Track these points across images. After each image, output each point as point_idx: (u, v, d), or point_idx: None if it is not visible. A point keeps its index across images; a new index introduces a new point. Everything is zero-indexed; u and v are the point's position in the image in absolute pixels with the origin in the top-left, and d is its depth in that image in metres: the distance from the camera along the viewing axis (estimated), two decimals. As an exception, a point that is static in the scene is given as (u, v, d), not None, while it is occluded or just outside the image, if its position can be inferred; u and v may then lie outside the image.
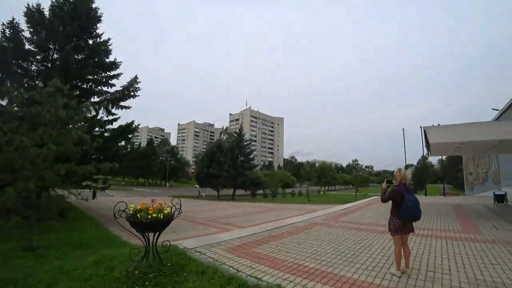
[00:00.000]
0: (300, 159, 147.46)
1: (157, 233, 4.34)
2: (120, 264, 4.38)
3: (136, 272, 3.93)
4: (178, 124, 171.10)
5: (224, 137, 54.44)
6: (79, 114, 8.29)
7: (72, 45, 13.44)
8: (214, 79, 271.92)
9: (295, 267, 4.50)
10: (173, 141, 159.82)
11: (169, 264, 4.32)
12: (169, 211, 4.30)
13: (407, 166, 60.31)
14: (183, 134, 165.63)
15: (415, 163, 77.10)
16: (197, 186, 52.56)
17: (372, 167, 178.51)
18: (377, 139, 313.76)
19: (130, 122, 16.96)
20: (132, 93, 18.21)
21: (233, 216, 15.20)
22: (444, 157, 68.24)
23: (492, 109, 21.80)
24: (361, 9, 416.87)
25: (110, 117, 18.12)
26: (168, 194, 51.20)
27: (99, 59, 16.36)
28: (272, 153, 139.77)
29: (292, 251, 5.51)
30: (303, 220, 9.57)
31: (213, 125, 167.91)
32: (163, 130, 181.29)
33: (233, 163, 37.58)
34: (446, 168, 73.61)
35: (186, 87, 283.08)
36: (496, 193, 12.71)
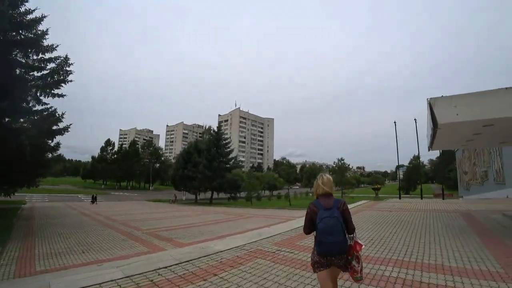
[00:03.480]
0: (292, 160, 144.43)
1: None
2: None
3: None
4: (167, 125, 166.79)
5: (206, 137, 50.71)
6: None
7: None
8: (205, 81, 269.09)
9: None
10: (161, 143, 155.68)
11: None
12: None
13: (398, 167, 57.74)
14: (171, 136, 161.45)
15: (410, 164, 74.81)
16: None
17: (363, 168, 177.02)
18: (370, 140, 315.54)
19: (52, 111, 13.39)
20: (62, 77, 14.77)
21: (185, 227, 12.63)
22: (440, 154, 66.06)
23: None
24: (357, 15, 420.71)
25: (40, 107, 14.74)
26: (145, 198, 47.94)
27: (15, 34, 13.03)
28: (261, 154, 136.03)
29: None
30: (248, 243, 6.21)
31: (203, 126, 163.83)
32: (151, 132, 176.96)
33: (209, 163, 33.88)
34: (438, 168, 71.47)
35: (178, 89, 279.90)
36: (520, 197, 9.56)
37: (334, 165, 32.05)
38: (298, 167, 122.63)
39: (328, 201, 2.52)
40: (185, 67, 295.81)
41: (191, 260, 4.92)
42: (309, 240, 6.61)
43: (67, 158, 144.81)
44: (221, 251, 5.44)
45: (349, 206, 13.68)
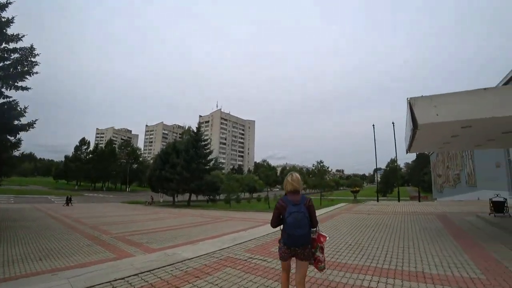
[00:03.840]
0: (273, 163, 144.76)
1: None
2: None
3: None
4: (146, 125, 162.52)
5: (186, 137, 49.56)
6: None
7: None
8: (188, 81, 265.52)
9: None
10: (140, 143, 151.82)
11: None
12: None
13: (376, 170, 59.00)
14: (151, 136, 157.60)
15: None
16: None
17: (343, 170, 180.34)
18: (351, 144, 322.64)
19: (13, 104, 12.34)
20: (26, 69, 13.71)
21: (159, 230, 11.97)
22: (416, 157, 68.19)
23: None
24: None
25: (1, 100, 13.56)
26: (121, 200, 46.09)
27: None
28: (242, 156, 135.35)
29: None
30: (219, 249, 5.78)
31: (184, 127, 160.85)
32: (130, 131, 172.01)
33: (188, 165, 32.95)
34: (413, 171, 73.78)
35: (159, 89, 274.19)
36: (493, 199, 9.60)
37: (314, 168, 32.07)
38: (279, 169, 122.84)
39: (296, 197, 2.78)
40: (172, 66, 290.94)
41: (153, 269, 4.41)
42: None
43: (38, 157, 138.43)
44: (189, 259, 4.95)
45: (328, 209, 13.57)
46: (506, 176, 15.51)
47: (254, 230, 9.32)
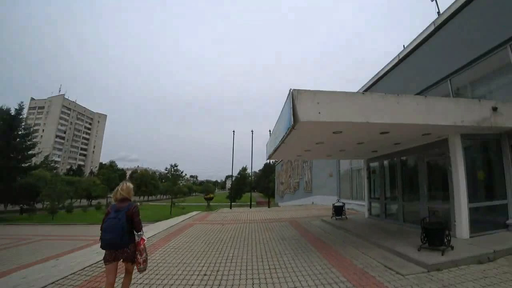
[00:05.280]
0: (124, 165, 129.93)
1: None
2: None
3: None
4: None
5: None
6: None
7: None
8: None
9: None
10: None
11: None
12: None
13: (227, 177, 61.74)
14: None
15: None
16: None
17: (196, 176, 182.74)
18: (208, 151, 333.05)
19: None
20: None
21: None
22: (263, 167, 75.97)
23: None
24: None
25: None
26: None
27: None
28: (85, 155, 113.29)
29: None
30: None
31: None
32: None
33: (-7, 161, 23.56)
34: (259, 179, 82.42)
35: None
36: (335, 204, 10.70)
37: (167, 172, 29.77)
38: (129, 172, 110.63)
39: (122, 205, 3.17)
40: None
41: None
42: None
43: None
44: None
45: (179, 220, 11.71)
46: (336, 184, 18.31)
47: (70, 256, 6.46)
